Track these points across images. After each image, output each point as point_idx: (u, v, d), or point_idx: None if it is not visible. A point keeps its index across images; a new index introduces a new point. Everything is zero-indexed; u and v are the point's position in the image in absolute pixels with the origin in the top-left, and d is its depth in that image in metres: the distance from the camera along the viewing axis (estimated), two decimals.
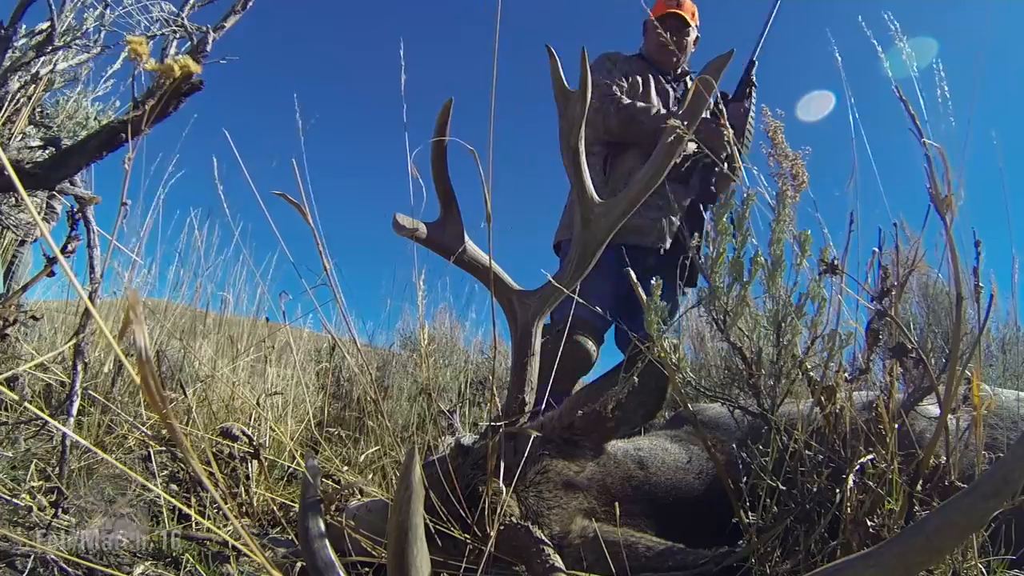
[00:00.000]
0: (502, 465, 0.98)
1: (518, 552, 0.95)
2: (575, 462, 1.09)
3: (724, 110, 2.49)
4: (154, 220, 2.14)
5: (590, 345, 2.36)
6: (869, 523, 0.83)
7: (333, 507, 1.19)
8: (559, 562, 0.91)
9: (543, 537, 0.94)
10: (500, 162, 1.21)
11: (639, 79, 2.70)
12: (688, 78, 2.83)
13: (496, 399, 1.28)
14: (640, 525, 1.03)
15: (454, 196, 1.33)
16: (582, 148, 1.28)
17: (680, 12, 2.70)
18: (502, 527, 0.94)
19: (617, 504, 0.99)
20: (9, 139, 1.45)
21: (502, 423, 1.06)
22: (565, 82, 1.30)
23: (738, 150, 2.02)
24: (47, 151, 1.41)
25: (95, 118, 2.11)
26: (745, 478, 0.94)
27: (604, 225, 1.23)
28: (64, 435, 1.07)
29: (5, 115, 1.54)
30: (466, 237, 1.32)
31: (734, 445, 1.03)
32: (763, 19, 2.66)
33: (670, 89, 2.78)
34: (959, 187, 0.86)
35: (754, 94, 2.62)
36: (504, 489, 0.97)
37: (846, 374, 0.97)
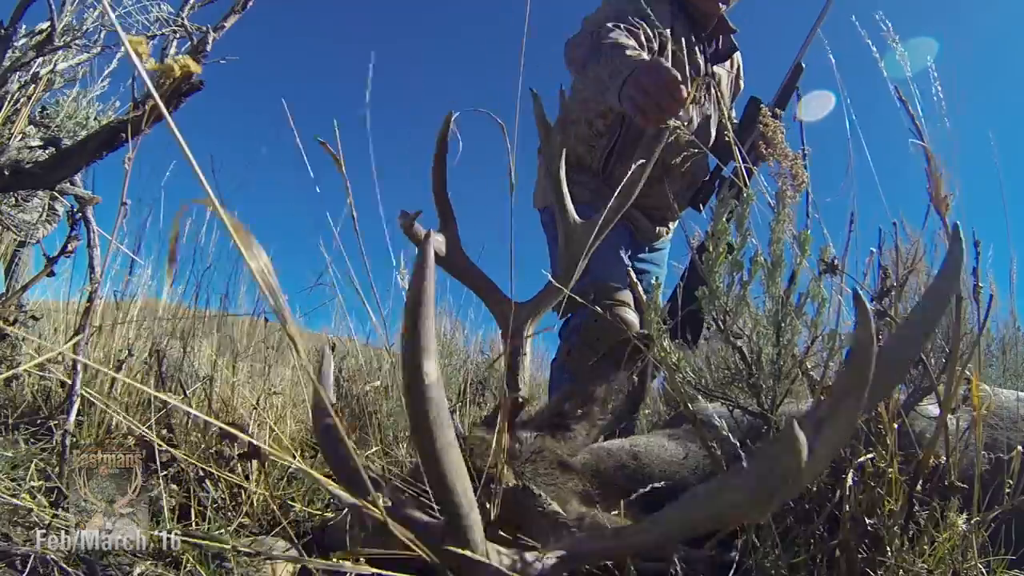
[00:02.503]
0: (505, 438, 0.98)
1: (520, 517, 0.95)
2: (568, 445, 1.11)
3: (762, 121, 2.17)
4: (153, 219, 2.14)
5: (628, 314, 1.93)
6: (868, 522, 0.83)
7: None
8: (561, 513, 0.91)
9: (543, 494, 0.95)
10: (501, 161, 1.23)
11: (660, 31, 2.06)
12: (722, 37, 2.27)
13: (505, 389, 1.28)
14: (633, 515, 1.03)
15: (452, 210, 1.33)
16: (563, 176, 1.37)
17: None
18: (503, 492, 0.94)
19: (613, 494, 1.00)
20: (9, 139, 1.45)
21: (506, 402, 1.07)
22: (547, 119, 1.39)
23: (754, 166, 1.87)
24: (47, 151, 1.41)
25: (95, 118, 2.11)
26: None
27: (585, 242, 1.30)
28: (64, 435, 1.07)
29: (5, 115, 1.54)
30: (461, 248, 1.34)
31: (735, 443, 1.03)
32: (812, 17, 2.03)
33: (698, 51, 2.19)
34: (956, 187, 0.86)
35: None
36: (503, 455, 0.97)
37: None
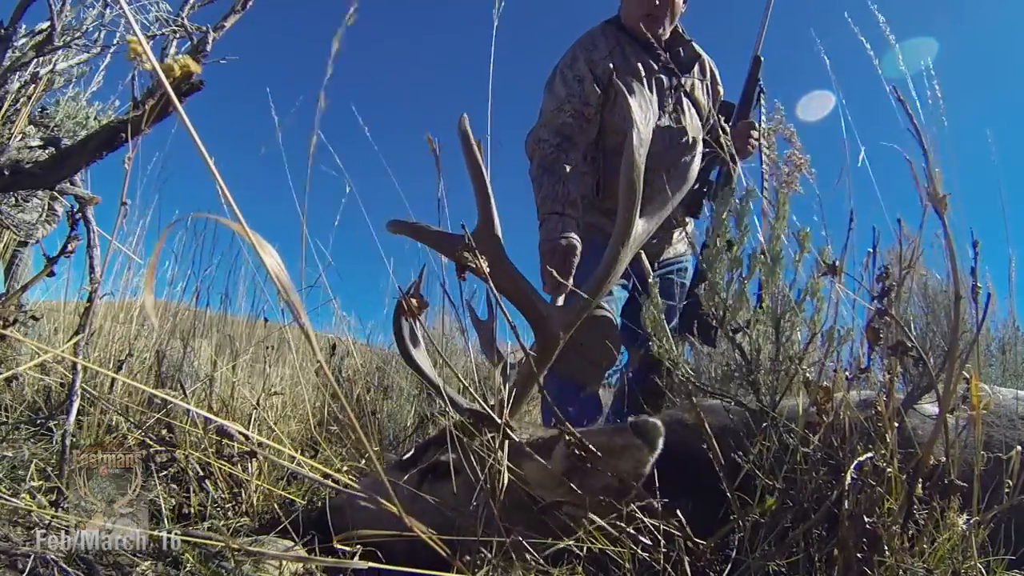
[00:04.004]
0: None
1: None
2: None
3: (728, 128, 2.06)
4: (153, 219, 2.15)
5: (603, 312, 1.96)
6: (867, 520, 0.83)
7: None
8: None
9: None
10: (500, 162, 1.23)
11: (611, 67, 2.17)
12: (681, 49, 2.35)
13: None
14: None
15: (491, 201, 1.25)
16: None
17: None
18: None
19: None
20: (9, 139, 1.45)
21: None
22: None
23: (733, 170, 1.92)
24: (47, 151, 1.41)
25: (95, 118, 2.11)
26: (734, 467, 0.94)
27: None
28: (64, 435, 1.07)
29: (5, 115, 1.54)
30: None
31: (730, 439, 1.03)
32: (762, 5, 2.19)
33: (654, 64, 2.25)
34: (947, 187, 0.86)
35: (763, 102, 2.14)
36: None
37: (846, 373, 0.98)
